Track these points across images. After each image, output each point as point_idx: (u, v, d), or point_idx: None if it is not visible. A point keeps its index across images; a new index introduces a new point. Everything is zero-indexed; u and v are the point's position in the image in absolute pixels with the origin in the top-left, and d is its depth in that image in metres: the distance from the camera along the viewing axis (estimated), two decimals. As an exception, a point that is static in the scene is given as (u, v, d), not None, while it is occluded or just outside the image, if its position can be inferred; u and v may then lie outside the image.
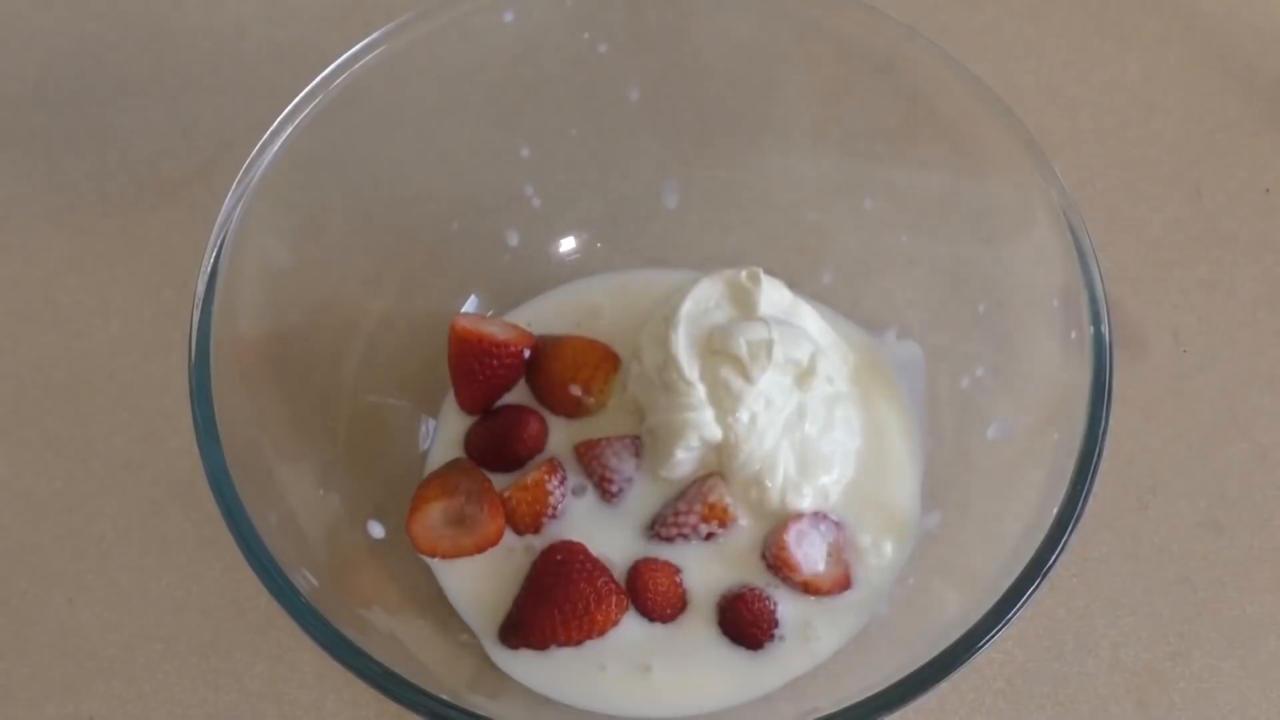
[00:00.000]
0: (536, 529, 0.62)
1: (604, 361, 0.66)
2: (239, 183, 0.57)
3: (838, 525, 0.63)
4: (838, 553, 0.62)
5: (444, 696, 0.48)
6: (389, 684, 0.48)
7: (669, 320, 0.63)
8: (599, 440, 0.64)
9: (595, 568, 0.59)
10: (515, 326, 0.67)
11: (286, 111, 0.58)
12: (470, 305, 0.70)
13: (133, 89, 0.82)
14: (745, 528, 0.63)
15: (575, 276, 0.71)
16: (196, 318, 0.53)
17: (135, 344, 0.72)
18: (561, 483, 0.63)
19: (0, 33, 0.84)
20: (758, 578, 0.62)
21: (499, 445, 0.65)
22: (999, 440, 0.61)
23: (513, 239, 0.70)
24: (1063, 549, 0.50)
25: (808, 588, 0.61)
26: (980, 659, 0.51)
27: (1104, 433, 0.52)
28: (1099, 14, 0.85)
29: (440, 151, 0.66)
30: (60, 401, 0.71)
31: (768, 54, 0.66)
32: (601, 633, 0.59)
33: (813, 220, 0.69)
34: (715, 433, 0.61)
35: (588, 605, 0.58)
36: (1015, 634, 0.64)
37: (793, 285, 0.66)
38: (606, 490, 0.63)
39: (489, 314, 0.70)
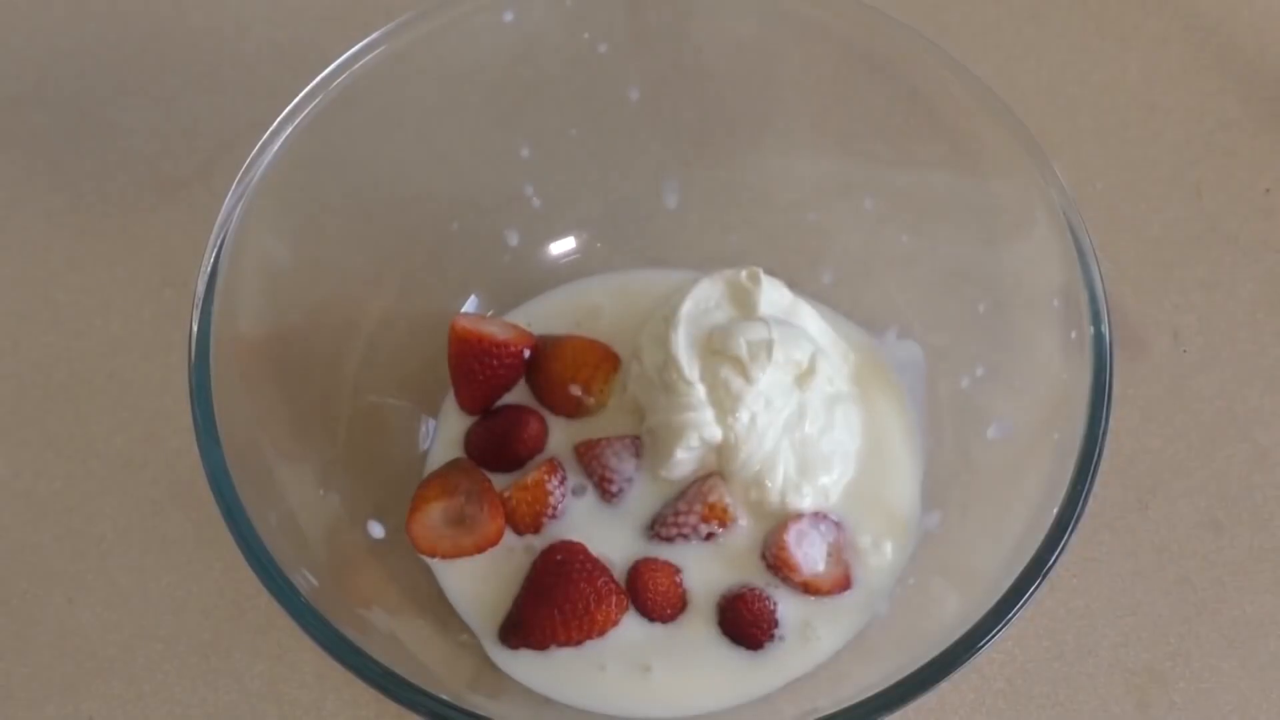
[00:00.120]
0: (536, 529, 0.62)
1: (604, 361, 0.66)
2: (239, 183, 0.57)
3: (838, 525, 0.63)
4: (838, 553, 0.62)
5: (444, 696, 0.48)
6: (389, 684, 0.48)
7: (669, 320, 0.63)
8: (599, 440, 0.64)
9: (595, 568, 0.59)
10: (515, 326, 0.67)
11: (286, 111, 0.58)
12: (470, 305, 0.70)
13: (133, 89, 0.82)
14: (745, 528, 0.63)
15: (575, 276, 0.71)
16: (196, 318, 0.53)
17: (135, 344, 0.72)
18: (561, 483, 0.63)
19: (0, 32, 0.84)
20: (758, 578, 0.62)
21: (499, 445, 0.65)
22: (999, 440, 0.61)
23: (513, 239, 0.70)
24: (1063, 549, 0.50)
25: (808, 588, 0.61)
26: (980, 659, 0.51)
27: (1104, 433, 0.52)
28: (1099, 14, 0.85)
29: (440, 151, 0.66)
30: (60, 401, 0.71)
31: (768, 54, 0.66)
32: (601, 633, 0.59)
33: (813, 220, 0.69)
34: (715, 433, 0.61)
35: (588, 605, 0.58)
36: (1015, 634, 0.64)
37: (793, 285, 0.66)
38: (606, 490, 0.63)
39: (489, 314, 0.70)
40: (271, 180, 0.57)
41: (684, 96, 0.68)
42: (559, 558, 0.59)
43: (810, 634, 0.60)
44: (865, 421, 0.65)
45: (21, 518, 0.68)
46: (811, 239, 0.70)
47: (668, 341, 0.62)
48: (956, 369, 0.65)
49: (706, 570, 0.62)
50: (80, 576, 0.66)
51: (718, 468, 0.63)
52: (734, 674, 0.60)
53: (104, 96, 0.82)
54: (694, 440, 0.61)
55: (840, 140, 0.68)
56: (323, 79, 0.59)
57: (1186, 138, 0.80)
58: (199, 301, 0.54)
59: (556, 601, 0.58)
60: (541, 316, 0.70)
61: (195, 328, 0.53)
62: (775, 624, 0.60)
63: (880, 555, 0.62)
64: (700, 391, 0.61)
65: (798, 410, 0.62)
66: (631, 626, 0.60)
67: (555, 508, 0.63)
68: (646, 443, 0.64)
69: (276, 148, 0.57)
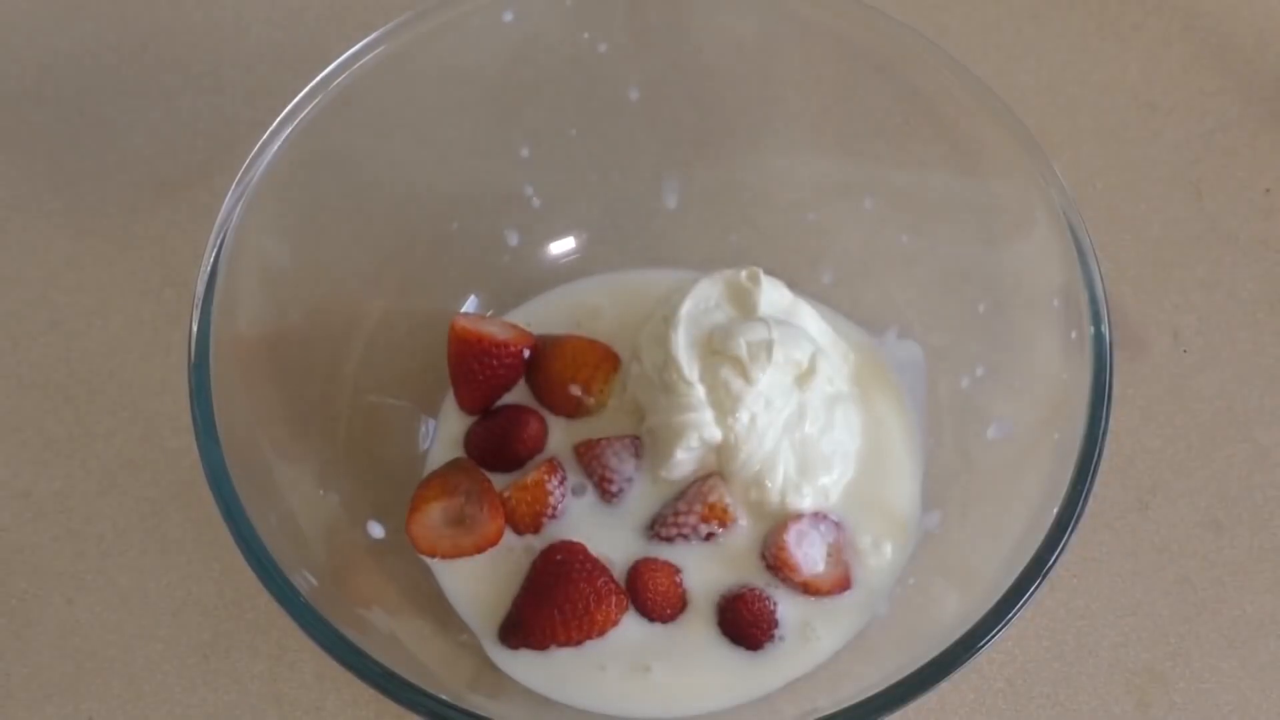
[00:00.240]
0: (536, 529, 0.62)
1: (604, 361, 0.66)
2: (239, 183, 0.57)
3: (838, 525, 0.63)
4: (837, 553, 0.62)
5: (444, 696, 0.48)
6: (389, 684, 0.48)
7: (669, 320, 0.63)
8: (599, 440, 0.64)
9: (595, 568, 0.59)
10: (515, 326, 0.67)
11: (286, 111, 0.58)
12: (470, 305, 0.70)
13: (133, 89, 0.82)
14: (745, 528, 0.63)
15: (575, 276, 0.71)
16: (196, 318, 0.53)
17: (135, 344, 0.72)
18: (561, 483, 0.63)
19: (0, 32, 0.84)
20: (757, 578, 0.62)
21: (499, 445, 0.65)
22: (999, 440, 0.61)
23: (512, 239, 0.70)
24: (1063, 549, 0.50)
25: (807, 588, 0.61)
26: (980, 659, 0.50)
27: (1104, 433, 0.52)
28: (1099, 14, 0.85)
29: (440, 151, 0.66)
30: (60, 401, 0.71)
31: (768, 54, 0.66)
32: (601, 633, 0.59)
33: (813, 220, 0.69)
34: (715, 433, 0.61)
35: (587, 605, 0.58)
36: (1015, 634, 0.64)
37: (793, 285, 0.66)
38: (606, 490, 0.63)
39: (489, 314, 0.70)
40: (271, 180, 0.57)
41: (684, 96, 0.68)
42: (559, 558, 0.59)
43: (810, 634, 0.60)
44: (865, 421, 0.65)
45: (21, 518, 0.68)
46: (811, 239, 0.70)
47: (668, 341, 0.62)
48: (956, 369, 0.65)
49: (706, 570, 0.62)
50: (79, 577, 0.66)
51: (718, 468, 0.63)
52: (734, 674, 0.60)
53: (104, 96, 0.82)
54: (694, 440, 0.61)
55: (840, 140, 0.68)
56: (323, 79, 0.59)
57: (1186, 138, 0.80)
58: (199, 301, 0.54)
59: (556, 601, 0.58)
60: (541, 316, 0.70)
61: (195, 328, 0.53)
62: (775, 624, 0.60)
63: (880, 555, 0.62)
64: (700, 392, 0.61)
65: (798, 410, 0.62)
66: (631, 626, 0.60)
67: (555, 508, 0.63)
68: (646, 443, 0.64)
69: (276, 148, 0.57)
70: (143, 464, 0.69)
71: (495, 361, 0.65)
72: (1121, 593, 0.66)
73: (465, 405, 0.67)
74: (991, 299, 0.63)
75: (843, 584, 0.61)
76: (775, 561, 0.61)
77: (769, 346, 0.61)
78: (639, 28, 0.66)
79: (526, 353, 0.66)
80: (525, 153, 0.68)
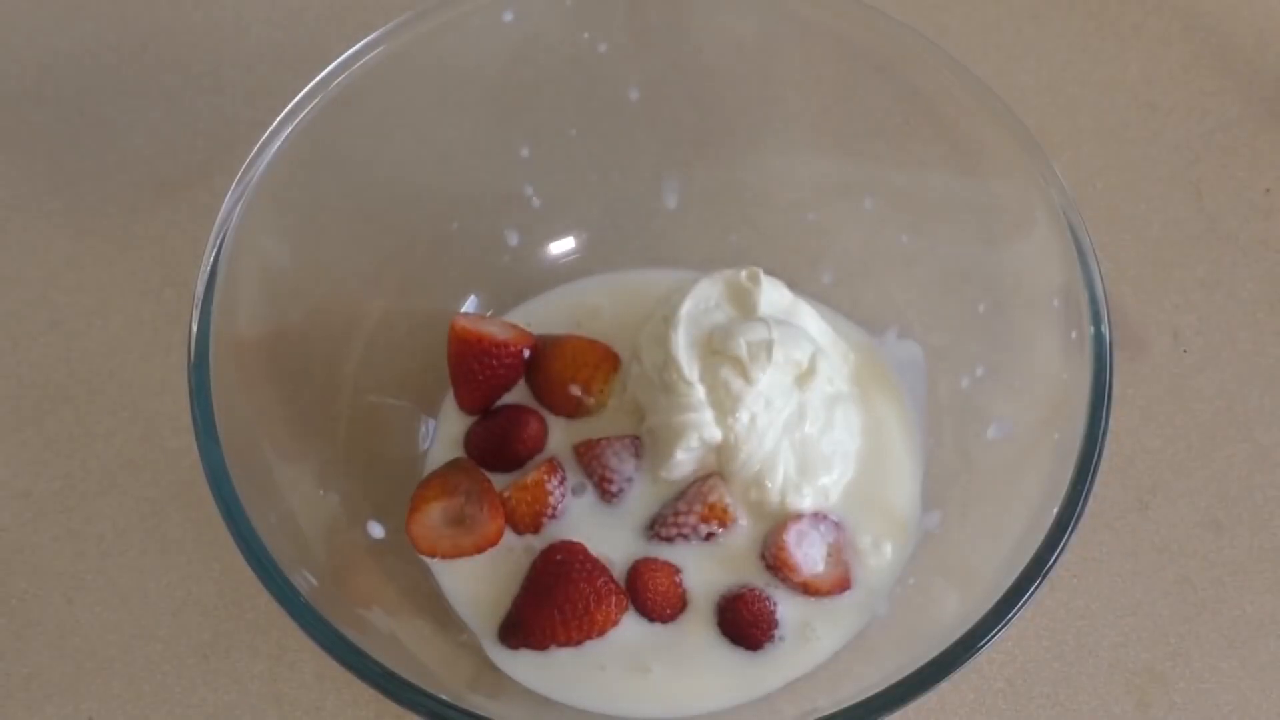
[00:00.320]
0: (536, 529, 0.62)
1: (604, 361, 0.66)
2: (239, 183, 0.57)
3: (837, 525, 0.63)
4: (837, 553, 0.62)
5: (444, 697, 0.48)
6: (389, 684, 0.48)
7: (669, 320, 0.63)
8: (599, 440, 0.64)
9: (595, 568, 0.59)
10: (515, 326, 0.67)
11: (286, 111, 0.58)
12: (470, 305, 0.70)
13: (133, 89, 0.82)
14: (745, 528, 0.63)
15: (575, 276, 0.71)
16: (196, 318, 0.53)
17: (135, 344, 0.72)
18: (561, 483, 0.63)
19: (0, 32, 0.84)
20: (757, 578, 0.62)
21: (499, 445, 0.65)
22: (999, 440, 0.61)
23: (512, 239, 0.70)
24: (1063, 549, 0.50)
25: (807, 588, 0.61)
26: (980, 659, 0.50)
27: (1104, 433, 0.52)
28: (1099, 14, 0.85)
29: (440, 151, 0.66)
30: (60, 401, 0.71)
31: (768, 54, 0.66)
32: (601, 633, 0.59)
33: (813, 220, 0.69)
34: (715, 433, 0.61)
35: (587, 605, 0.58)
36: (1015, 634, 0.64)
37: (793, 285, 0.66)
38: (606, 490, 0.63)
39: (489, 314, 0.70)
40: (271, 180, 0.57)
41: (684, 96, 0.68)
42: (559, 558, 0.59)
43: (810, 634, 0.60)
44: (865, 421, 0.65)
45: (21, 518, 0.68)
46: (811, 239, 0.70)
47: (668, 341, 0.62)
48: (956, 369, 0.65)
49: (706, 570, 0.62)
50: (79, 576, 0.66)
51: (718, 468, 0.63)
52: (734, 674, 0.60)
53: (104, 96, 0.82)
54: (694, 441, 0.61)
55: (840, 140, 0.68)
56: (323, 79, 0.59)
57: (1186, 138, 0.80)
58: (199, 301, 0.54)
59: (556, 601, 0.58)
60: (541, 316, 0.70)
61: (195, 328, 0.53)
62: (775, 624, 0.60)
63: (880, 555, 0.62)
64: (700, 392, 0.61)
65: (798, 410, 0.62)
66: (631, 627, 0.60)
67: (555, 508, 0.63)
68: (646, 443, 0.64)
69: (276, 148, 0.57)
70: (143, 464, 0.69)
71: (495, 361, 0.65)
72: (1121, 593, 0.66)
73: (465, 405, 0.67)
74: (991, 299, 0.63)
75: (843, 584, 0.61)
76: (775, 561, 0.61)
77: (769, 346, 0.61)
78: (639, 28, 0.66)
79: (526, 353, 0.66)
80: (525, 153, 0.68)
